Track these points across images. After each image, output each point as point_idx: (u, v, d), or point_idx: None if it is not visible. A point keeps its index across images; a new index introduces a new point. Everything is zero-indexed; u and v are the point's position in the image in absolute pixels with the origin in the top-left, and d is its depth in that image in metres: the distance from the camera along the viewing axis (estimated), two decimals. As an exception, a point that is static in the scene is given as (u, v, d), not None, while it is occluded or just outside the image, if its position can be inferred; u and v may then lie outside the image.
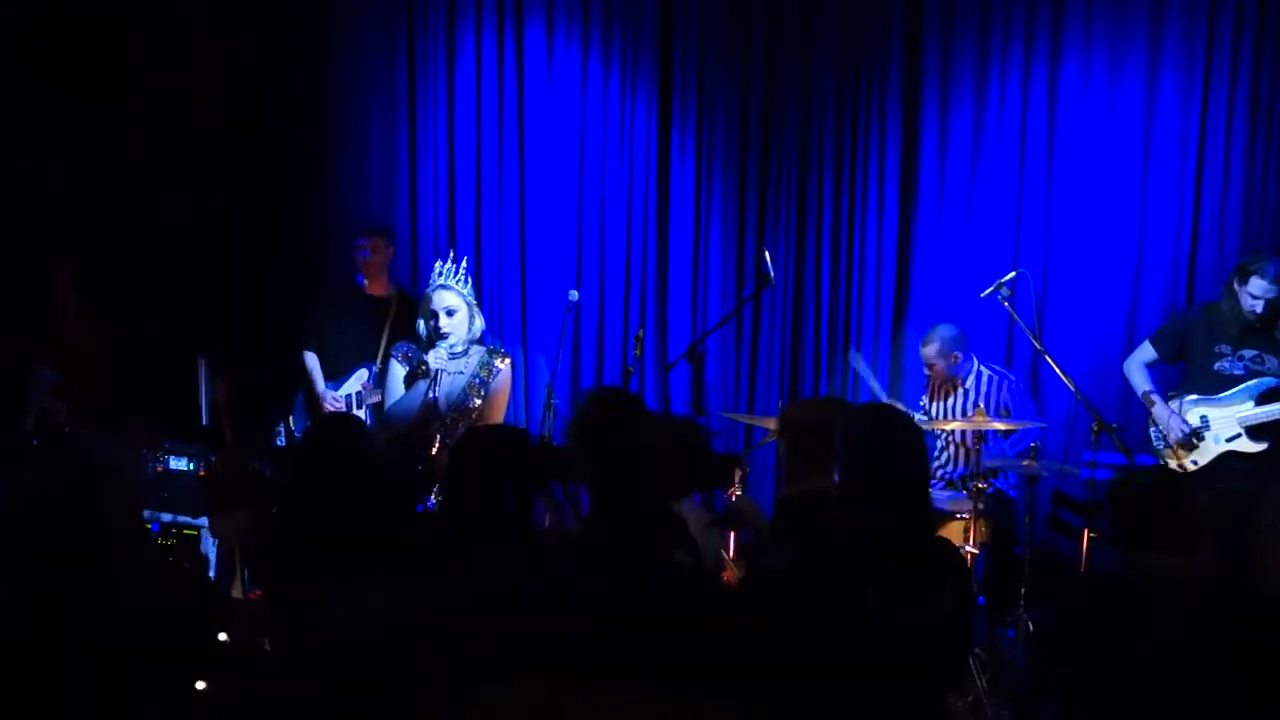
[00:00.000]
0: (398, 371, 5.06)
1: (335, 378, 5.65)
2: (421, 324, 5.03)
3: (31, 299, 6.13)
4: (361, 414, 5.59)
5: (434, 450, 4.80)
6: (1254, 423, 4.88)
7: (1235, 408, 4.92)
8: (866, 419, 3.07)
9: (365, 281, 5.74)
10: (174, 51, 6.18)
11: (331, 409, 5.51)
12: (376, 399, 5.45)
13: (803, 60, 6.06)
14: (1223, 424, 4.95)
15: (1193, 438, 4.97)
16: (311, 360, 5.71)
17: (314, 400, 5.67)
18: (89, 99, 6.07)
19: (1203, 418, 4.98)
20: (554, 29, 6.26)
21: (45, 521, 2.60)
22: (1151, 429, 5.13)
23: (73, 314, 6.27)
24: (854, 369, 5.90)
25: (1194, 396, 5.01)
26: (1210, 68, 5.57)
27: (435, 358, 4.91)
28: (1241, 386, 4.92)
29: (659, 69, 6.21)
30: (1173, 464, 5.00)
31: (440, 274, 5.02)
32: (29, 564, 2.56)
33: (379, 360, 5.58)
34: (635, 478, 2.95)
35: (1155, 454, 5.08)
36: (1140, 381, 5.17)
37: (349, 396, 5.61)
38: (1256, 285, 4.85)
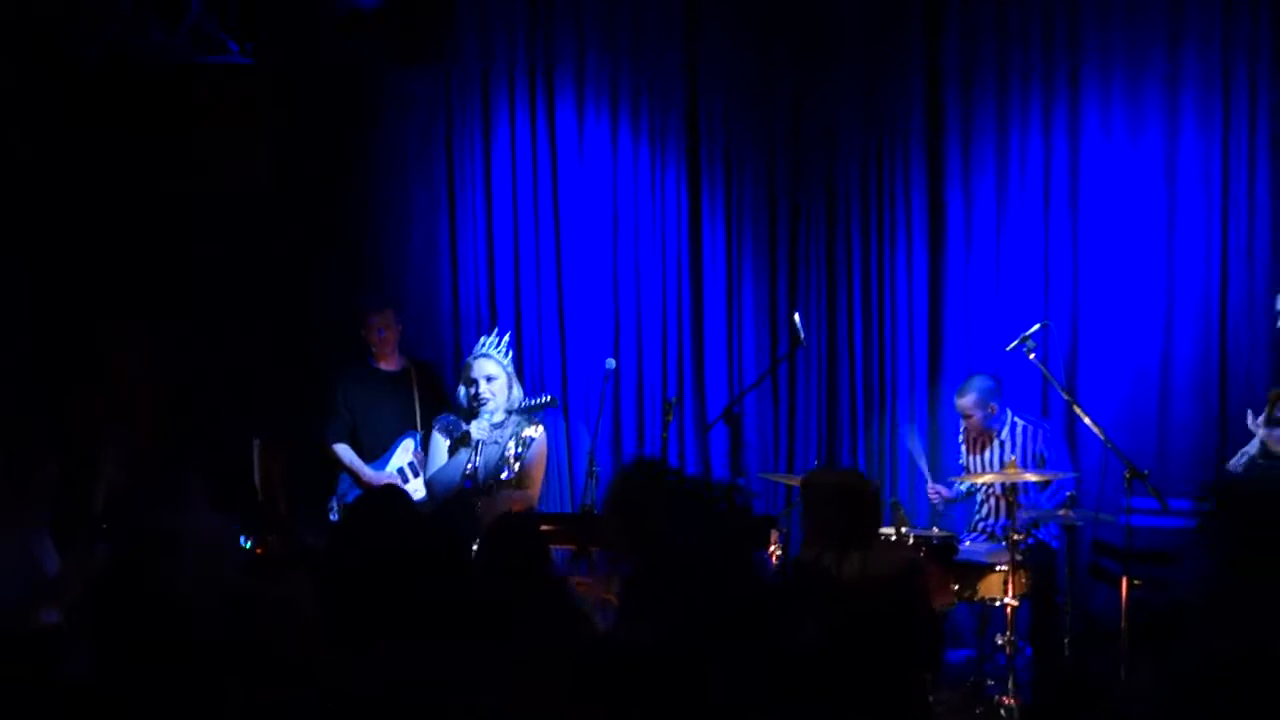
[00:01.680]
0: (440, 442, 5.22)
1: (377, 456, 5.77)
2: (462, 390, 5.22)
3: (100, 388, 6.35)
4: (419, 481, 5.70)
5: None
6: None
7: None
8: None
9: (377, 360, 5.89)
10: (221, 138, 6.41)
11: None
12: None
13: (826, 122, 6.18)
14: None
15: None
16: (344, 451, 5.77)
17: (364, 486, 5.70)
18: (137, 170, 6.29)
19: None
20: (584, 105, 6.43)
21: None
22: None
23: (138, 398, 6.48)
24: (909, 450, 5.84)
25: None
26: (1229, 108, 5.60)
27: (478, 428, 5.06)
28: None
29: (687, 138, 6.35)
30: None
31: (483, 344, 5.26)
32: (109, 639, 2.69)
33: (420, 425, 5.72)
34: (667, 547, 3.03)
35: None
36: None
37: (400, 470, 5.73)
38: None
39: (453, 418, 5.26)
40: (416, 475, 5.72)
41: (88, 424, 5.66)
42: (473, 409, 5.15)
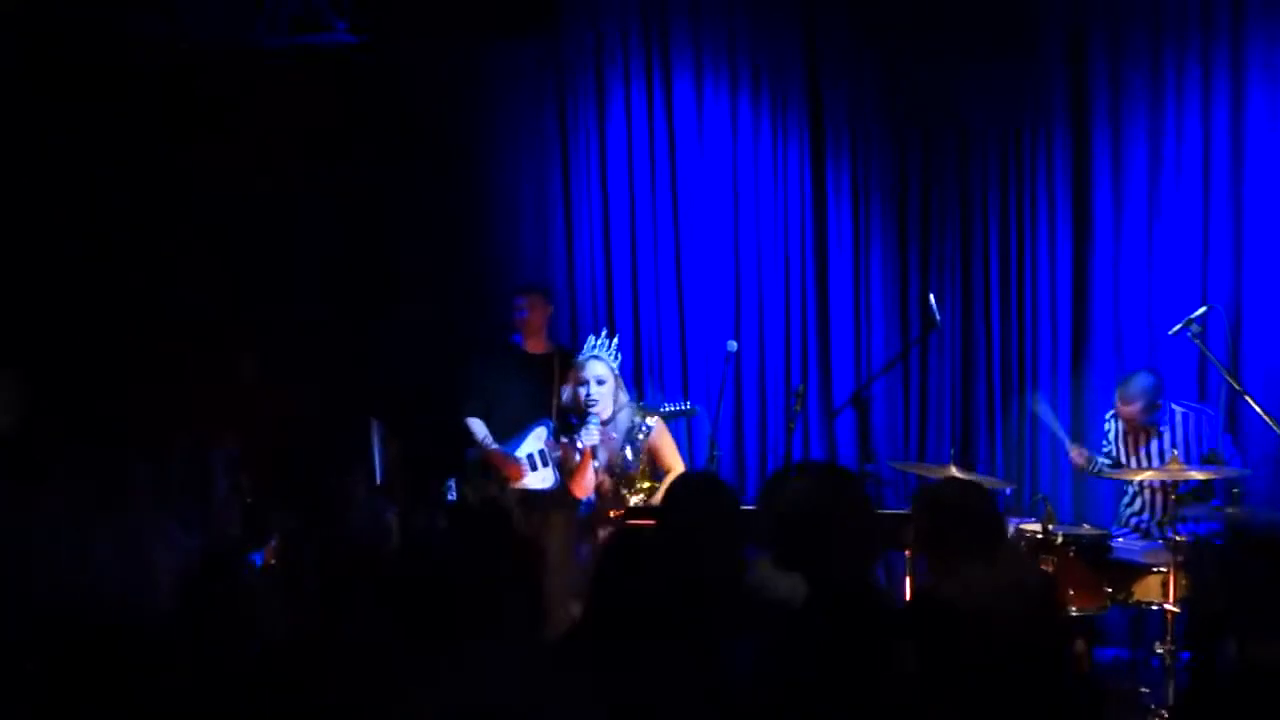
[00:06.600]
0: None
1: (506, 438, 5.63)
2: (569, 390, 5.27)
3: (213, 373, 6.35)
4: (548, 470, 5.59)
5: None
6: None
7: None
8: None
9: (523, 340, 5.77)
10: (328, 118, 6.31)
11: (512, 467, 5.53)
12: (559, 454, 5.49)
13: (961, 92, 5.88)
14: None
15: None
16: (477, 425, 5.68)
17: (490, 463, 5.62)
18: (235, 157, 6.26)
19: None
20: (702, 79, 6.23)
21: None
22: None
23: (251, 385, 6.45)
24: (1033, 412, 5.64)
25: None
26: None
27: (588, 435, 5.15)
28: None
29: (809, 110, 6.12)
30: None
31: (595, 345, 5.27)
32: None
33: (555, 416, 5.59)
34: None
35: None
36: None
37: (530, 456, 5.62)
38: None
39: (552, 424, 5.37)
40: (546, 465, 5.58)
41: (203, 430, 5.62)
42: (579, 409, 5.19)
